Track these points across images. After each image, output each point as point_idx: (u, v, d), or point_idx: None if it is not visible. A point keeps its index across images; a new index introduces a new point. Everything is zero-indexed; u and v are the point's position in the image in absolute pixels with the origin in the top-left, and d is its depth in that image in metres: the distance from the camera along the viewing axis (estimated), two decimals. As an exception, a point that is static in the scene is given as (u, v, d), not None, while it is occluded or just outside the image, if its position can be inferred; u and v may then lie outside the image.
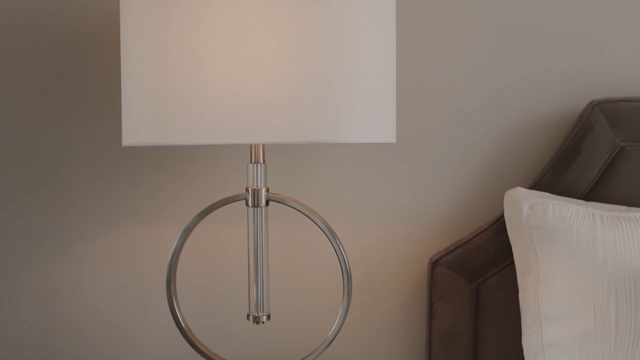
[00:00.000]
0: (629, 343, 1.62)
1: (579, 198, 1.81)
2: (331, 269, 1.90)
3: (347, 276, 1.75)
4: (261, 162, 1.73)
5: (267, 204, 1.74)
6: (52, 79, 1.96)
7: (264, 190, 1.73)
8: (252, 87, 1.55)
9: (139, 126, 1.63)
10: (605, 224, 1.67)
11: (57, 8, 1.96)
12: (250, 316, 1.77)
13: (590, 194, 1.82)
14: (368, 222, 1.95)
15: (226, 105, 1.55)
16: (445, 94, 1.93)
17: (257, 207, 1.74)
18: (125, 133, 1.66)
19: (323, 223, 1.74)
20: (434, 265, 1.85)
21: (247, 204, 1.74)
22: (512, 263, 1.76)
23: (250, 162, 1.73)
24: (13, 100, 1.98)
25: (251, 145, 1.73)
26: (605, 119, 1.82)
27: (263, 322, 1.77)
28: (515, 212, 1.72)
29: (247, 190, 1.74)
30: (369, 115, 1.61)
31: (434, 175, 1.94)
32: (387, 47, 1.64)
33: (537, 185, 1.83)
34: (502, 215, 1.80)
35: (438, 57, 1.93)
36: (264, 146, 1.74)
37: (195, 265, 1.96)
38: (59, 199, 1.99)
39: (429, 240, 1.93)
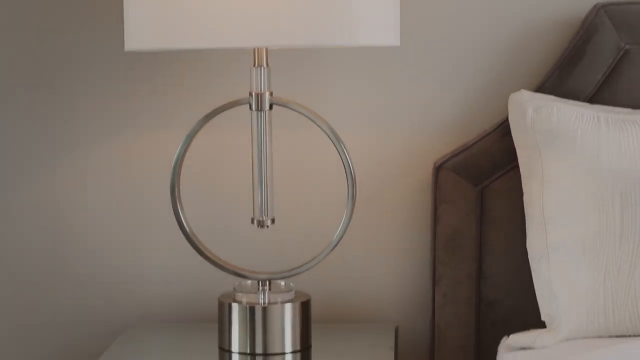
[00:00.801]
0: (634, 242, 1.64)
1: (583, 101, 1.81)
2: (335, 173, 1.91)
3: (352, 180, 1.75)
4: (264, 65, 1.72)
5: (270, 108, 1.74)
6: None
7: (267, 93, 1.73)
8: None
9: (141, 30, 1.62)
10: (609, 126, 1.67)
11: None
12: (255, 220, 1.77)
13: (595, 97, 1.82)
14: (372, 127, 1.95)
15: (229, 9, 1.54)
16: (449, -2, 1.92)
17: (260, 110, 1.73)
18: (127, 38, 1.65)
19: (327, 127, 1.74)
20: (438, 169, 1.85)
21: (250, 108, 1.74)
22: (517, 166, 1.76)
23: (254, 66, 1.72)
24: (9, 3, 1.96)
25: (254, 49, 1.72)
26: (609, 22, 1.81)
27: (267, 226, 1.78)
28: (519, 115, 1.72)
29: (250, 94, 1.73)
30: (372, 17, 1.61)
31: (438, 79, 1.93)
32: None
33: (542, 88, 1.83)
34: (507, 119, 1.79)
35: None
36: (267, 50, 1.73)
37: (198, 171, 1.96)
38: (59, 107, 1.98)
39: (434, 145, 1.93)
